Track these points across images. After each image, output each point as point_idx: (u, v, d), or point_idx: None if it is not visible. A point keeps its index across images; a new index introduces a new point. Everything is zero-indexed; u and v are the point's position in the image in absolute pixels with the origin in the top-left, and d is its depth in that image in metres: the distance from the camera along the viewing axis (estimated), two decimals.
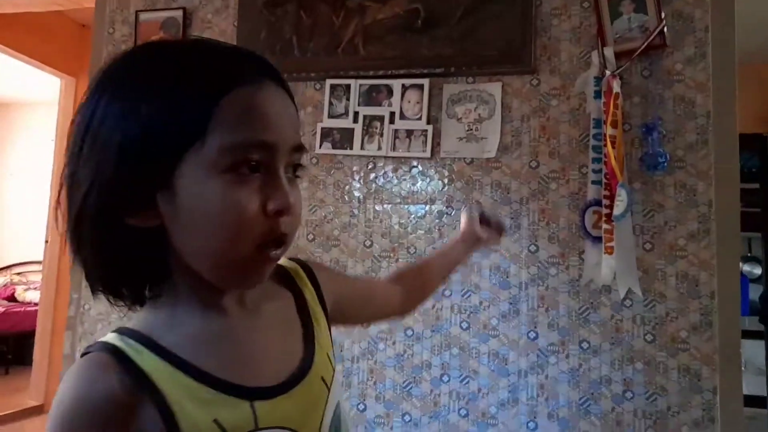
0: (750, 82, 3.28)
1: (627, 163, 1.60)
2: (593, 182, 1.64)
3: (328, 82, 1.88)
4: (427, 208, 1.79)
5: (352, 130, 1.85)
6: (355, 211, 1.84)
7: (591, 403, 1.60)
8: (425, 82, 1.80)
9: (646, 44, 1.60)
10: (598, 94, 1.64)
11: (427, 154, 1.78)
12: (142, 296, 0.56)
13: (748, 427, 1.66)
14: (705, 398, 1.53)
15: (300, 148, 0.55)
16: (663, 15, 1.61)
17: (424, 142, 1.79)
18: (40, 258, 3.98)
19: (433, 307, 1.74)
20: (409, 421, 1.71)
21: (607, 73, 1.61)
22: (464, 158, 1.77)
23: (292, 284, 0.66)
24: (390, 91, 1.83)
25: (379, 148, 1.82)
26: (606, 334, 1.61)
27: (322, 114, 1.88)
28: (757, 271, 3.56)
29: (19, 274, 5.38)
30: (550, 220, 1.69)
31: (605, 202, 1.59)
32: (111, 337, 0.52)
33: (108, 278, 0.54)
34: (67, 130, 0.52)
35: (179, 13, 2.03)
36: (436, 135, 1.79)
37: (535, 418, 1.63)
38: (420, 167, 1.81)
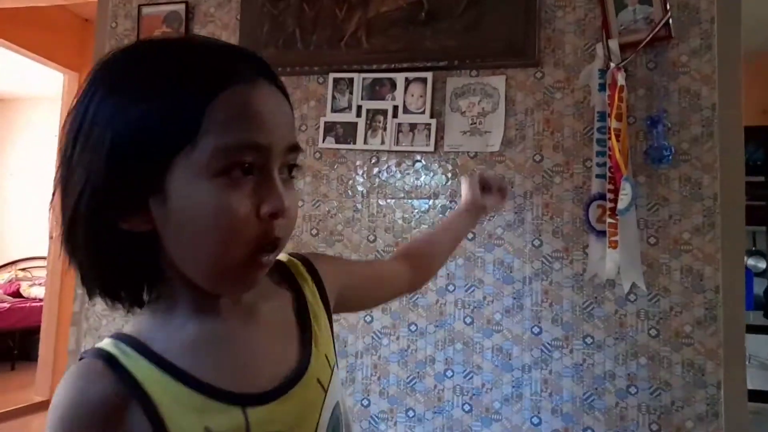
0: (755, 74, 3.25)
1: (631, 157, 1.59)
2: (597, 176, 1.63)
3: (331, 76, 1.87)
4: (431, 202, 1.78)
5: (356, 124, 1.84)
6: (359, 206, 1.84)
7: (595, 398, 1.59)
8: (428, 75, 1.79)
9: (651, 36, 1.58)
10: (602, 87, 1.63)
11: (431, 148, 1.78)
12: (141, 298, 0.56)
13: (753, 421, 1.65)
14: (709, 393, 1.52)
15: (295, 148, 0.54)
16: (668, 6, 1.59)
17: (428, 136, 1.78)
18: (45, 254, 4.00)
19: (437, 302, 1.73)
20: (413, 416, 1.71)
21: (612, 65, 1.60)
22: (468, 152, 1.76)
23: (292, 281, 0.65)
24: (393, 85, 1.83)
25: (383, 143, 1.82)
26: (610, 329, 1.60)
27: (325, 108, 1.87)
28: (762, 265, 3.55)
29: (24, 269, 5.40)
30: (554, 214, 1.68)
31: (609, 195, 1.58)
32: (106, 343, 0.52)
33: (105, 282, 0.54)
34: (59, 132, 0.52)
35: (182, 7, 2.02)
36: (440, 129, 1.79)
37: (539, 413, 1.63)
38: (423, 161, 1.80)
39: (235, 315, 0.56)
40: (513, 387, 1.65)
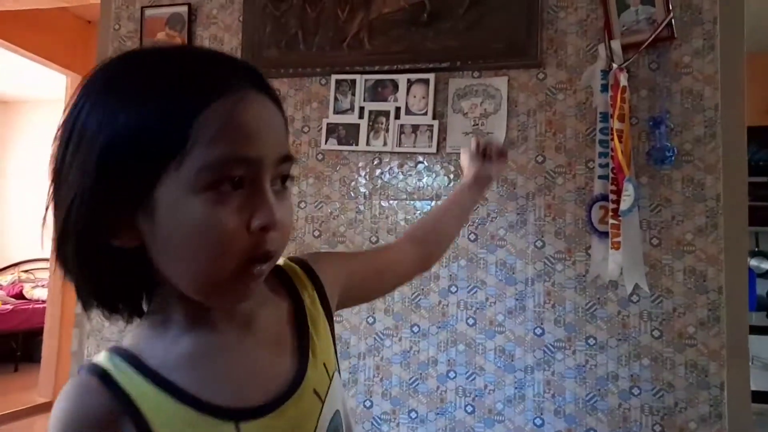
0: (758, 75, 3.25)
1: (634, 158, 1.59)
2: (600, 177, 1.63)
3: (334, 77, 1.87)
4: (433, 203, 1.78)
5: (358, 125, 1.84)
6: (361, 208, 1.84)
7: (598, 400, 1.59)
8: (431, 76, 1.79)
9: (653, 37, 1.58)
10: (605, 88, 1.63)
11: (433, 150, 1.78)
12: (140, 308, 0.56)
13: (756, 423, 1.65)
14: (712, 394, 1.52)
15: (287, 159, 0.53)
16: (671, 7, 1.59)
17: (430, 138, 1.78)
18: (48, 255, 4.00)
19: (439, 303, 1.73)
20: (416, 417, 1.71)
21: (614, 66, 1.59)
22: None
23: (290, 287, 0.64)
24: (395, 86, 1.83)
25: (385, 144, 1.82)
26: (613, 330, 1.60)
27: (328, 110, 1.87)
28: (765, 266, 3.54)
29: (26, 271, 5.41)
30: (557, 215, 1.68)
31: (612, 197, 1.58)
32: (102, 357, 0.53)
33: (99, 295, 0.54)
34: (51, 144, 0.51)
35: (184, 9, 2.02)
36: (442, 130, 1.79)
37: (541, 414, 1.62)
38: (426, 163, 1.80)
39: (230, 327, 0.56)
40: (516, 388, 1.65)
